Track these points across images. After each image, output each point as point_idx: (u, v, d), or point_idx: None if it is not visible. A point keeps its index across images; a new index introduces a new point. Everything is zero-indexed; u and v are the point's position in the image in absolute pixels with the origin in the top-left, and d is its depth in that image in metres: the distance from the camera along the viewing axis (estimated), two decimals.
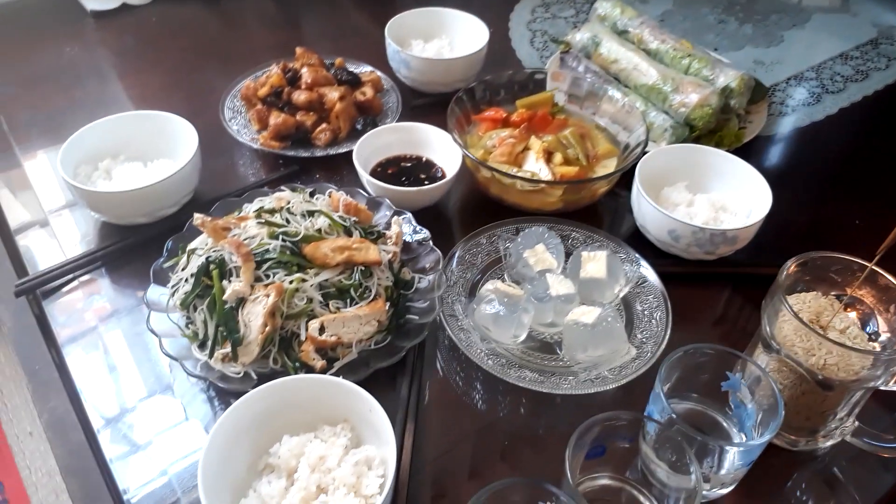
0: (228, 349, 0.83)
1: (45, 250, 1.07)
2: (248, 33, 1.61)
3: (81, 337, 0.96)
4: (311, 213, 0.92)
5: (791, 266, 0.79)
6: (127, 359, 0.92)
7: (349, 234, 0.92)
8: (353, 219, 0.93)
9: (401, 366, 0.89)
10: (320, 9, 1.70)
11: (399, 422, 0.83)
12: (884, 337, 0.79)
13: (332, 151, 1.18)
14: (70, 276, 1.01)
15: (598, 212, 1.15)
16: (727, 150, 1.12)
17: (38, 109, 1.32)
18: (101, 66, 1.45)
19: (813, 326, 0.76)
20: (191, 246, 0.92)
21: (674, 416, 0.71)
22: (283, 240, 0.87)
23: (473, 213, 1.13)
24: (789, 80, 1.48)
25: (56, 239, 1.08)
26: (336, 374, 0.83)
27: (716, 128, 1.19)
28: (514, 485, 0.65)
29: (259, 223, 0.89)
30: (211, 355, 0.83)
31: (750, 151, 1.24)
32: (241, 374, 0.83)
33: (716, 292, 1.03)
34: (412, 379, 0.88)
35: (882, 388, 0.75)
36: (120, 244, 1.04)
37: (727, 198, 1.08)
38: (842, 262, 0.80)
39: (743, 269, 1.04)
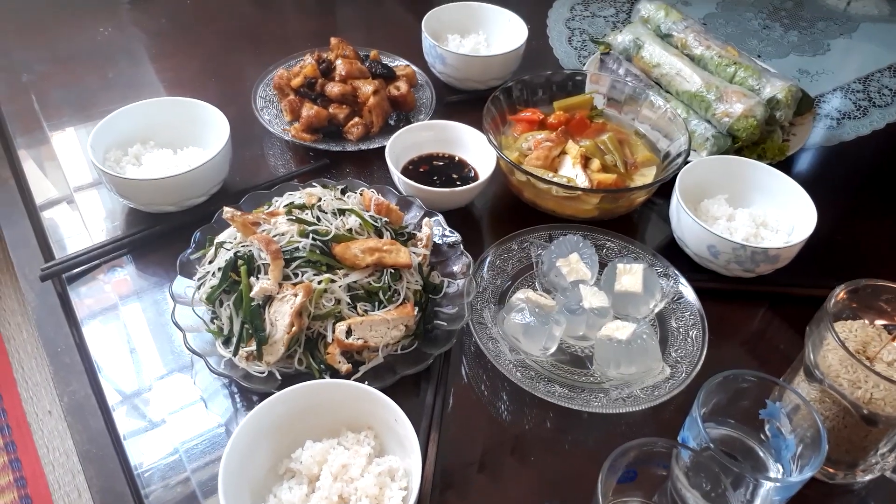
0: (253, 347, 0.81)
1: (71, 233, 1.06)
2: (284, 19, 1.58)
3: (104, 324, 0.95)
4: (342, 212, 0.90)
5: (840, 293, 0.76)
6: (149, 349, 0.91)
7: (380, 234, 0.89)
8: (385, 219, 0.91)
9: (426, 372, 0.87)
10: None
11: (423, 431, 0.81)
12: None
13: (363, 147, 1.16)
14: (96, 261, 1.00)
15: (634, 221, 1.12)
16: (770, 163, 1.09)
17: (70, 88, 1.31)
18: (134, 48, 1.43)
19: (860, 357, 0.73)
20: (219, 238, 0.91)
21: (710, 444, 0.68)
22: (314, 238, 0.85)
23: (505, 218, 1.11)
24: (834, 91, 1.44)
25: (83, 222, 1.07)
26: (361, 378, 0.82)
27: (759, 139, 1.15)
28: None
29: (289, 220, 0.87)
30: (235, 353, 0.82)
31: (792, 165, 1.21)
32: (266, 374, 0.82)
33: (754, 312, 1.00)
34: (437, 387, 0.86)
35: None
36: (146, 232, 1.02)
37: (769, 213, 1.04)
38: (893, 290, 0.77)
39: (782, 288, 1.00)
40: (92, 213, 1.08)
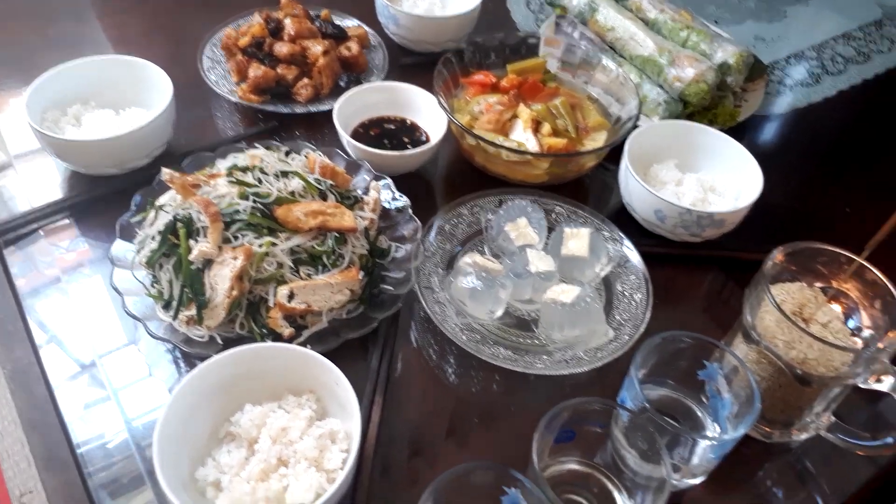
0: (193, 311, 0.80)
1: (9, 197, 1.02)
2: None
3: (45, 289, 0.93)
4: (285, 174, 0.88)
5: (777, 255, 0.77)
6: (92, 313, 0.89)
7: (324, 198, 0.88)
8: (330, 182, 0.90)
9: (373, 337, 0.87)
10: None
11: (367, 394, 0.81)
12: (866, 333, 0.78)
13: (313, 108, 1.13)
14: (35, 225, 0.97)
15: (585, 186, 1.12)
16: (720, 129, 1.09)
17: (9, 48, 1.26)
18: (78, 4, 1.38)
19: (795, 319, 0.74)
20: (159, 201, 0.88)
21: (647, 404, 0.69)
22: (255, 201, 0.83)
23: (457, 182, 1.10)
24: (789, 58, 1.44)
25: (22, 186, 1.03)
26: (304, 343, 0.81)
27: (710, 105, 1.15)
28: (476, 469, 0.63)
29: (230, 182, 0.85)
30: (175, 317, 0.81)
31: (744, 131, 1.21)
32: (206, 338, 0.80)
33: (700, 276, 1.01)
34: (384, 351, 0.86)
35: (861, 385, 0.74)
36: (87, 195, 1.00)
37: (717, 178, 1.05)
38: (830, 253, 0.78)
39: (728, 253, 1.01)
40: (32, 177, 1.04)
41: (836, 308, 0.80)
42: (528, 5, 1.50)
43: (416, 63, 1.28)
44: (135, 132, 0.97)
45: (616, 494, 0.73)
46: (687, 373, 0.77)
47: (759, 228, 1.07)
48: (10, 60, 1.23)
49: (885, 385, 0.72)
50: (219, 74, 1.17)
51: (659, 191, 1.02)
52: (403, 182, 1.02)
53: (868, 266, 0.76)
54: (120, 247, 0.87)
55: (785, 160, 1.22)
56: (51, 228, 0.97)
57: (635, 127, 1.03)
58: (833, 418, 0.80)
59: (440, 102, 1.03)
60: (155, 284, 0.84)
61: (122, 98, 1.07)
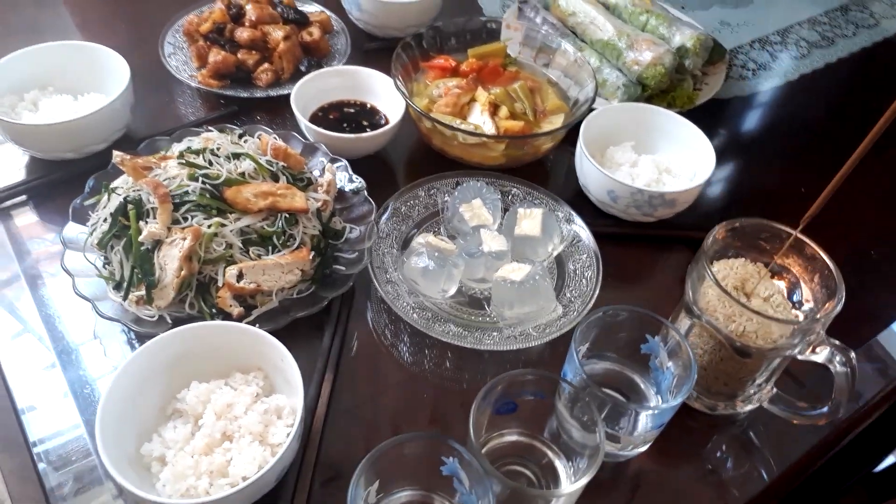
0: (143, 292, 0.80)
1: None
2: None
3: (0, 272, 0.93)
4: (236, 156, 0.88)
5: (718, 231, 0.78)
6: (47, 296, 0.89)
7: (276, 179, 0.89)
8: (282, 164, 0.90)
9: (327, 316, 0.88)
10: None
11: (318, 371, 0.82)
12: (807, 306, 0.79)
13: (272, 93, 1.14)
14: None
15: (545, 169, 1.13)
16: (679, 112, 1.10)
17: None
18: None
19: (734, 294, 0.76)
20: (113, 185, 0.89)
21: (584, 376, 0.70)
22: (204, 182, 0.84)
23: (416, 165, 1.11)
24: (753, 42, 1.46)
25: None
26: (253, 322, 0.82)
27: (669, 88, 1.16)
28: (415, 439, 0.64)
29: (180, 164, 0.86)
30: (125, 297, 0.81)
31: (704, 114, 1.21)
32: (156, 318, 0.81)
33: (652, 254, 1.02)
34: (336, 329, 0.87)
35: (799, 357, 0.75)
36: (44, 179, 1.00)
37: (673, 160, 1.06)
38: (770, 229, 0.79)
39: (680, 232, 1.03)
40: None
41: (780, 284, 0.81)
42: None
43: (379, 48, 1.28)
44: (90, 116, 0.97)
45: (558, 464, 0.74)
46: (631, 346, 0.78)
47: (715, 209, 1.09)
48: None
49: (820, 356, 0.73)
50: (180, 60, 1.18)
51: (614, 172, 1.03)
52: (363, 165, 1.02)
53: (806, 241, 0.77)
54: (73, 229, 0.88)
55: (745, 142, 1.24)
56: (7, 212, 0.98)
57: (591, 110, 1.04)
58: (775, 389, 0.82)
59: (397, 86, 1.03)
60: (107, 266, 0.84)
61: (81, 84, 1.07)
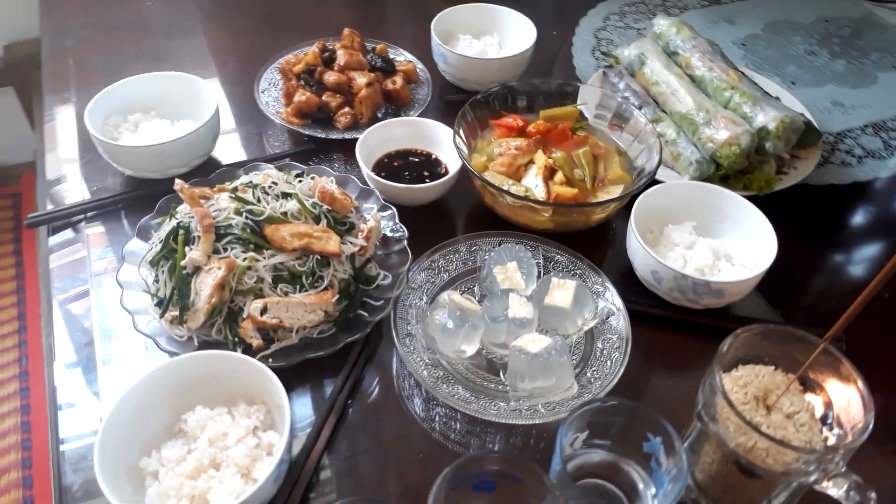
0: (177, 312, 0.86)
1: (69, 188, 1.14)
2: (324, 9, 1.63)
3: (72, 276, 1.02)
4: (286, 195, 0.93)
5: (738, 336, 0.73)
6: (105, 303, 0.97)
7: (318, 221, 0.93)
8: (327, 207, 0.94)
9: (344, 359, 0.90)
10: None
11: (322, 414, 0.84)
12: (837, 431, 0.72)
13: (348, 136, 1.19)
14: (79, 217, 1.08)
15: (599, 240, 1.10)
16: (756, 195, 1.05)
17: (105, 56, 1.41)
18: (172, 22, 1.52)
19: (751, 405, 0.71)
20: (179, 209, 0.96)
21: (566, 473, 0.67)
22: (247, 217, 0.89)
23: (470, 221, 1.12)
24: (866, 127, 1.35)
25: (82, 181, 1.15)
26: (269, 356, 0.85)
27: (747, 169, 1.10)
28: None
29: (231, 197, 0.92)
30: (162, 315, 0.87)
31: (789, 200, 1.14)
32: (185, 339, 0.87)
33: (694, 343, 0.96)
34: (350, 374, 0.89)
35: (815, 487, 0.68)
36: (128, 195, 1.10)
37: (735, 246, 1.00)
38: (799, 337, 0.73)
39: (725, 323, 0.96)
40: (92, 175, 1.16)
41: (816, 400, 0.74)
42: (593, 53, 1.49)
43: (459, 101, 1.29)
44: (174, 141, 1.06)
45: None
46: (635, 441, 0.74)
47: (777, 304, 1.01)
48: (104, 67, 1.37)
49: (835, 491, 0.66)
50: (272, 97, 1.26)
51: (667, 252, 0.99)
52: (418, 214, 1.05)
53: (838, 355, 0.70)
54: (135, 245, 0.96)
55: (833, 235, 1.14)
56: (95, 220, 1.08)
57: (654, 183, 1.01)
58: None
59: (455, 140, 1.05)
60: (155, 283, 0.91)
61: (179, 111, 1.18)
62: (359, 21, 1.51)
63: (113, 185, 1.14)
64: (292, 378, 0.88)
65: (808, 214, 1.16)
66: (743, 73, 1.20)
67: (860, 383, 0.68)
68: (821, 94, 1.42)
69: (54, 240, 1.06)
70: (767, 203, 1.02)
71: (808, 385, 0.75)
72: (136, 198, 1.10)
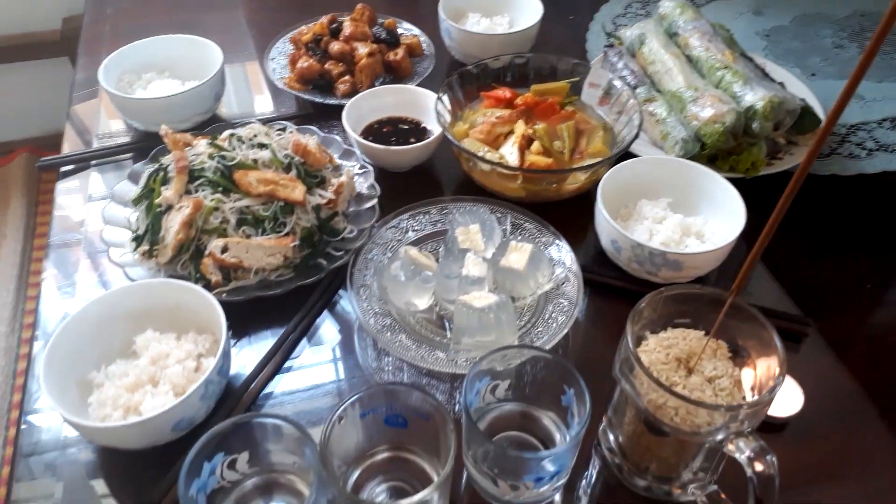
0: (147, 247, 0.92)
1: (86, 141, 1.23)
2: None
3: (73, 215, 1.10)
4: (261, 146, 0.98)
5: (662, 293, 0.72)
6: (94, 238, 1.04)
7: (288, 171, 0.97)
8: (299, 159, 0.98)
9: (304, 303, 0.94)
10: None
11: (270, 351, 0.88)
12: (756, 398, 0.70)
13: (345, 102, 1.22)
14: (82, 163, 1.16)
15: (575, 214, 1.09)
16: (744, 178, 1.03)
17: (138, 24, 1.49)
18: None
19: (670, 365, 0.70)
20: (165, 158, 1.02)
21: (471, 409, 0.69)
22: (219, 161, 0.94)
23: (452, 189, 1.14)
24: (884, 121, 1.29)
25: (97, 134, 1.24)
26: (224, 291, 0.90)
27: (735, 150, 1.08)
28: (280, 423, 0.67)
29: (208, 144, 0.97)
30: (134, 250, 0.93)
31: (780, 185, 1.10)
32: (153, 272, 0.92)
33: None
34: (304, 318, 0.92)
35: (724, 451, 0.67)
36: (130, 146, 1.18)
37: (710, 224, 0.98)
38: (698, 297, 0.72)
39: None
40: (107, 127, 1.24)
41: (747, 372, 0.73)
42: (608, 36, 1.49)
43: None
44: (175, 96, 1.13)
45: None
46: (553, 394, 0.75)
47: (755, 285, 0.99)
48: (135, 34, 1.41)
49: (738, 454, 0.65)
50: (280, 64, 1.31)
51: (635, 226, 0.98)
52: (401, 178, 1.09)
53: (763, 322, 0.69)
54: (125, 187, 1.02)
55: (824, 226, 1.10)
56: (104, 166, 1.16)
57: (626, 157, 1.01)
58: (713, 486, 0.73)
59: (436, 105, 1.07)
60: (136, 221, 0.97)
61: (190, 72, 1.24)
62: (383, 0, 1.55)
63: (127, 137, 1.22)
64: (251, 318, 0.92)
65: (801, 202, 1.12)
66: (744, 56, 1.17)
67: (777, 346, 0.67)
68: (838, 87, 1.36)
69: (63, 183, 1.15)
70: (758, 187, 0.99)
71: (739, 354, 0.73)
72: (140, 149, 1.17)
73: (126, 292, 0.84)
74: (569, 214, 1.06)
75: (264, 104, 1.31)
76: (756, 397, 0.67)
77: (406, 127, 1.17)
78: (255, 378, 0.86)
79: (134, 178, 1.03)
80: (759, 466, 0.63)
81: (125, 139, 1.21)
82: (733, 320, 0.72)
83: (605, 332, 0.94)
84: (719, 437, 0.66)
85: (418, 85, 1.24)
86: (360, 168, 1.06)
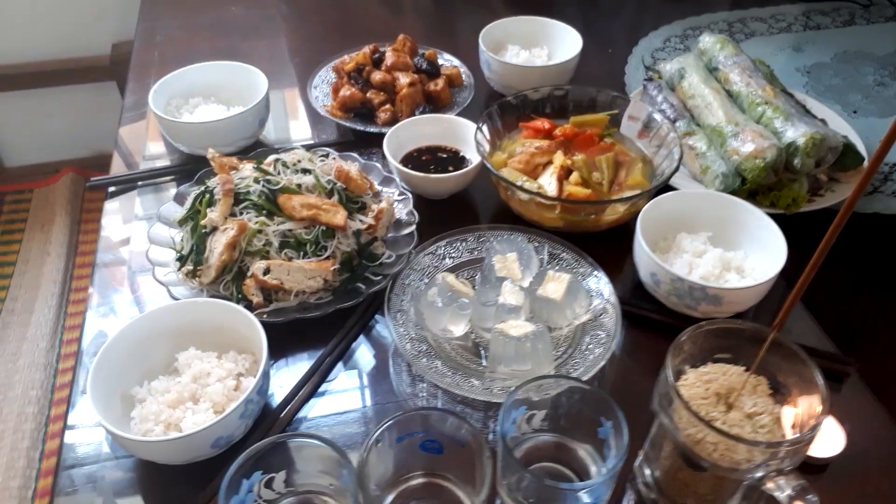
0: (192, 267, 0.94)
1: (134, 163, 1.27)
2: (398, 17, 1.72)
3: (121, 232, 1.13)
4: (305, 171, 1.00)
5: (703, 328, 0.72)
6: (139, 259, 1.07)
7: (330, 196, 0.98)
8: (341, 185, 1.00)
9: (342, 327, 0.95)
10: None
11: (309, 371, 0.89)
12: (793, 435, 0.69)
13: (385, 131, 1.24)
14: (128, 184, 1.20)
15: (613, 245, 1.09)
16: (784, 214, 1.02)
17: (185, 51, 1.54)
18: (248, 25, 1.65)
19: (710, 400, 0.69)
20: (211, 180, 1.05)
21: (506, 442, 0.69)
22: (264, 185, 0.96)
23: (489, 217, 1.14)
24: None
25: (144, 155, 1.27)
26: (265, 312, 0.91)
27: (776, 185, 1.07)
28: (317, 445, 0.67)
29: (254, 168, 0.99)
30: (179, 269, 0.95)
31: (822, 223, 1.10)
32: (196, 291, 0.94)
33: None
34: (341, 341, 0.93)
35: (762, 489, 0.66)
36: (176, 168, 1.21)
37: (750, 260, 0.98)
38: (739, 332, 0.71)
39: None
40: (153, 149, 1.28)
41: (788, 410, 0.72)
42: (647, 70, 1.50)
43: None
44: (221, 121, 1.16)
45: None
46: (589, 426, 0.74)
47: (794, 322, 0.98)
48: (182, 61, 1.46)
49: (779, 492, 0.64)
50: (323, 92, 1.35)
51: (674, 259, 0.98)
52: (440, 206, 1.11)
53: (805, 360, 0.68)
54: (170, 208, 1.05)
55: (867, 263, 1.09)
56: (145, 189, 1.19)
57: (665, 190, 1.01)
58: None
59: (476, 134, 1.09)
60: (181, 241, 1.00)
61: (235, 98, 1.28)
62: (424, 31, 1.59)
63: (172, 160, 1.25)
64: (289, 339, 0.93)
65: (842, 239, 1.11)
66: (784, 92, 1.17)
67: (820, 384, 0.66)
68: (880, 124, 1.35)
69: (110, 203, 1.18)
70: (798, 223, 0.99)
71: (779, 391, 0.72)
72: (185, 171, 1.20)
73: (170, 310, 0.86)
74: (605, 246, 1.06)
75: (303, 130, 1.34)
76: (797, 435, 0.66)
77: (444, 156, 1.19)
78: (291, 399, 0.87)
79: (179, 199, 1.06)
80: None
81: (166, 162, 1.24)
82: (774, 357, 0.71)
83: (641, 366, 0.93)
84: (758, 474, 0.65)
85: (457, 115, 1.26)
86: (399, 195, 1.08)
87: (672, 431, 0.68)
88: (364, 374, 0.93)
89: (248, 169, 1.00)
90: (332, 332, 0.94)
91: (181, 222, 1.00)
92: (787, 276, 0.92)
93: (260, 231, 0.94)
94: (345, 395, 0.90)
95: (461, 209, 1.16)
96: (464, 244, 1.03)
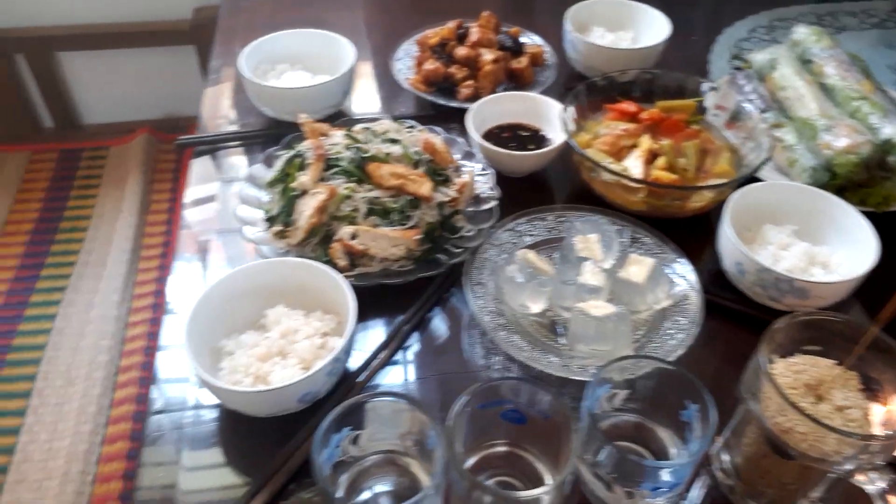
0: (280, 227, 0.97)
1: (219, 125, 1.30)
2: None
3: (206, 190, 1.17)
4: (393, 141, 1.01)
5: (798, 317, 0.71)
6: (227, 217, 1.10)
7: (416, 166, 1.00)
8: (428, 157, 1.01)
9: (419, 297, 0.96)
10: None
11: (387, 337, 0.91)
12: (889, 433, 0.68)
13: (466, 106, 1.25)
14: (221, 145, 1.23)
15: (696, 232, 1.08)
16: (874, 212, 1.00)
17: (269, 18, 1.57)
18: None
19: (799, 391, 0.69)
20: (301, 145, 1.07)
21: (595, 413, 0.69)
22: (354, 153, 0.98)
23: (568, 197, 1.14)
24: None
25: (230, 118, 1.31)
26: (351, 276, 0.93)
27: (867, 182, 1.04)
28: (411, 409, 0.69)
29: (345, 135, 1.01)
30: (268, 228, 0.98)
31: None
32: (283, 251, 0.97)
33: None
34: (420, 309, 0.95)
35: (851, 481, 0.65)
36: (262, 132, 1.24)
37: (837, 256, 0.96)
38: (832, 325, 0.70)
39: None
40: (240, 112, 1.31)
41: (877, 406, 0.71)
42: (730, 60, 1.47)
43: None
44: (307, 88, 1.19)
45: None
46: (671, 408, 0.75)
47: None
48: (266, 27, 1.48)
49: (871, 485, 0.63)
50: (406, 65, 1.36)
51: (759, 250, 0.97)
52: (519, 183, 1.11)
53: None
54: (259, 170, 1.08)
55: None
56: (231, 150, 1.23)
57: (752, 180, 0.99)
58: None
59: (561, 114, 1.09)
60: (270, 202, 1.03)
61: (322, 66, 1.30)
62: (507, 9, 1.58)
63: (255, 123, 1.28)
64: (369, 304, 0.95)
65: None
66: (880, 88, 1.14)
67: None
68: None
69: (197, 162, 1.22)
70: (886, 222, 0.96)
71: (870, 387, 0.71)
72: (272, 135, 1.23)
73: (261, 267, 0.88)
74: (685, 233, 1.06)
75: (381, 102, 1.35)
76: (893, 431, 0.65)
77: (525, 133, 1.19)
78: (371, 362, 0.89)
79: (268, 161, 1.09)
80: (893, 501, 0.61)
81: (249, 126, 1.27)
82: (869, 352, 0.71)
83: (719, 355, 0.93)
84: (848, 466, 0.65)
85: (543, 93, 1.26)
86: (481, 170, 1.08)
87: (760, 418, 0.68)
88: (438, 343, 0.94)
89: (338, 136, 1.02)
90: (410, 301, 0.96)
91: (271, 184, 1.02)
92: (872, 273, 0.90)
93: (348, 197, 0.96)
94: (419, 363, 0.92)
95: (536, 188, 1.16)
96: (543, 223, 1.03)
